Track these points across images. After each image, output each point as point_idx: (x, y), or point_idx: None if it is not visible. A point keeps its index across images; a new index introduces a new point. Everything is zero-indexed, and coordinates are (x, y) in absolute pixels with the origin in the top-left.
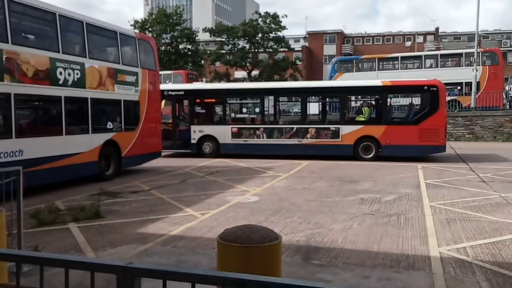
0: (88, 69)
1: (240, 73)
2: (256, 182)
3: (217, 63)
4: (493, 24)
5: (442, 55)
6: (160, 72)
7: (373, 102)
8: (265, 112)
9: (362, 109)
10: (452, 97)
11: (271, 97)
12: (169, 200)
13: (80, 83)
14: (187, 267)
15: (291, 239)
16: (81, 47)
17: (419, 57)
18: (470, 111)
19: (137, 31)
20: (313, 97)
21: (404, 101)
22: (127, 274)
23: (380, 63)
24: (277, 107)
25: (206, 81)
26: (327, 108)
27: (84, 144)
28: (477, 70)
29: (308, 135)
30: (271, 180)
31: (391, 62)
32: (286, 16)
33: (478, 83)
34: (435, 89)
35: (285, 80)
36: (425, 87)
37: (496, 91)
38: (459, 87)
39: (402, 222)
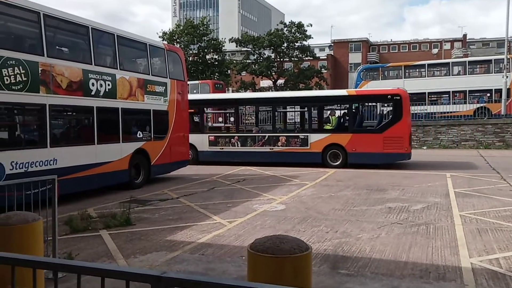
0: (119, 80)
1: (266, 82)
2: (282, 191)
3: (243, 73)
4: None
5: (470, 62)
6: (188, 82)
7: (340, 111)
8: (240, 121)
9: (330, 118)
10: (482, 104)
11: (245, 107)
12: (197, 208)
13: (111, 94)
14: (215, 275)
15: (318, 248)
16: (112, 59)
17: (447, 64)
18: (500, 118)
19: (165, 42)
20: (283, 107)
21: (369, 110)
22: (160, 283)
23: (407, 71)
24: (251, 117)
25: (233, 91)
26: (297, 117)
27: (115, 153)
28: (507, 77)
29: (279, 143)
30: (297, 188)
31: (417, 70)
32: (311, 25)
33: (508, 90)
34: (398, 98)
35: (311, 88)
36: (389, 96)
37: None
38: (488, 94)
39: (431, 232)
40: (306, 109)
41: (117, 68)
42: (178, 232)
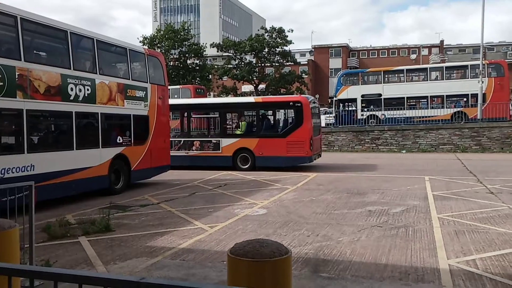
0: (98, 84)
1: (247, 87)
2: (264, 195)
3: (225, 78)
4: (498, 36)
5: (447, 67)
6: (169, 87)
7: (248, 117)
8: None
9: (240, 123)
10: (459, 109)
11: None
12: (178, 213)
13: (90, 99)
14: (196, 280)
15: (299, 252)
16: (91, 64)
17: (425, 69)
18: (476, 123)
19: (146, 47)
20: (198, 112)
21: (275, 115)
22: None
23: (386, 76)
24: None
25: (214, 95)
26: (211, 123)
27: (94, 158)
28: (482, 82)
29: (194, 148)
30: (278, 192)
31: (396, 75)
32: (292, 30)
33: (484, 95)
34: (299, 105)
35: (292, 93)
36: (291, 103)
37: (502, 103)
38: (465, 99)
39: (411, 234)
40: (218, 115)
41: (96, 73)
42: (158, 238)
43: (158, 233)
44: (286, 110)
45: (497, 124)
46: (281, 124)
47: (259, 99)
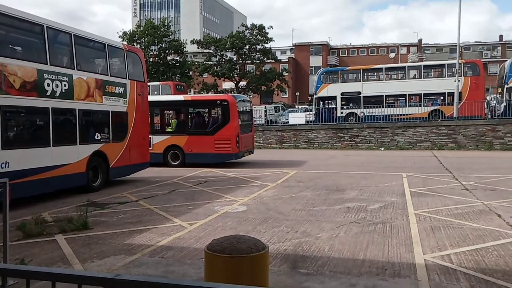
0: (76, 80)
1: (228, 84)
2: (243, 192)
3: (205, 75)
4: (474, 36)
5: (425, 66)
6: (148, 84)
7: (178, 115)
8: None
9: (170, 121)
10: (436, 107)
11: None
12: (157, 211)
13: (68, 95)
14: (174, 277)
15: (278, 248)
16: (69, 59)
17: (403, 68)
18: (453, 121)
19: (125, 42)
20: None
21: (204, 113)
22: (114, 286)
23: (365, 74)
24: None
25: (195, 92)
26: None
27: (72, 155)
28: (459, 81)
29: None
30: (258, 189)
31: (375, 73)
32: (272, 27)
33: (460, 93)
34: (226, 103)
35: (273, 91)
36: (218, 102)
37: (478, 101)
38: (442, 97)
39: (388, 230)
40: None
41: (74, 69)
42: (137, 235)
43: (136, 231)
44: (214, 108)
45: (473, 122)
46: (209, 122)
47: (189, 97)
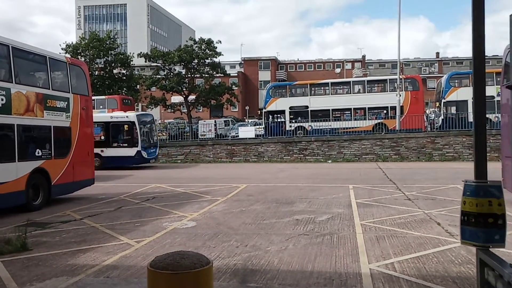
0: (14, 94)
1: (177, 98)
2: (193, 207)
3: (153, 88)
4: (414, 53)
5: (368, 81)
6: (94, 97)
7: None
8: None
9: None
10: (379, 121)
11: None
12: (103, 229)
13: (5, 109)
14: None
15: (228, 263)
16: (7, 72)
17: (348, 83)
18: (395, 133)
19: (68, 55)
20: None
21: None
22: None
23: (312, 89)
24: None
25: (142, 106)
26: None
27: (10, 172)
28: (400, 95)
29: None
30: (208, 204)
31: (322, 88)
32: (220, 42)
33: (402, 107)
34: None
35: (222, 105)
36: None
37: (418, 115)
38: (385, 111)
39: (335, 241)
40: None
41: (12, 82)
42: (81, 255)
43: (80, 250)
44: None
45: (414, 134)
46: None
47: None
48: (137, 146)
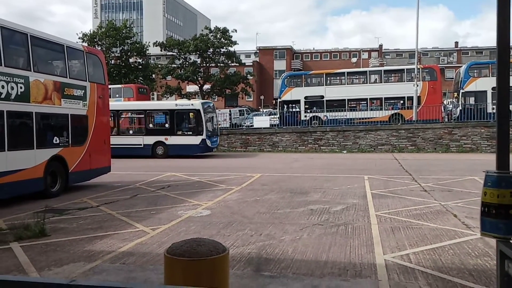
0: (33, 82)
1: (192, 87)
2: (208, 196)
3: (169, 77)
4: (432, 42)
5: (385, 71)
6: (110, 86)
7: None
8: None
9: None
10: (396, 111)
11: None
12: (119, 216)
13: (24, 97)
14: (136, 283)
15: (242, 252)
16: (25, 60)
17: (364, 72)
18: (412, 124)
19: (85, 44)
20: None
21: None
22: None
23: (328, 78)
24: None
25: (158, 95)
26: None
27: (29, 160)
28: (417, 85)
29: None
30: (223, 193)
31: (338, 77)
32: (236, 31)
33: (419, 98)
34: None
35: (237, 94)
36: None
37: (436, 105)
38: (401, 101)
39: (350, 232)
40: None
41: (30, 70)
42: (97, 241)
43: (97, 237)
44: None
45: (431, 125)
46: None
47: None
48: (202, 135)
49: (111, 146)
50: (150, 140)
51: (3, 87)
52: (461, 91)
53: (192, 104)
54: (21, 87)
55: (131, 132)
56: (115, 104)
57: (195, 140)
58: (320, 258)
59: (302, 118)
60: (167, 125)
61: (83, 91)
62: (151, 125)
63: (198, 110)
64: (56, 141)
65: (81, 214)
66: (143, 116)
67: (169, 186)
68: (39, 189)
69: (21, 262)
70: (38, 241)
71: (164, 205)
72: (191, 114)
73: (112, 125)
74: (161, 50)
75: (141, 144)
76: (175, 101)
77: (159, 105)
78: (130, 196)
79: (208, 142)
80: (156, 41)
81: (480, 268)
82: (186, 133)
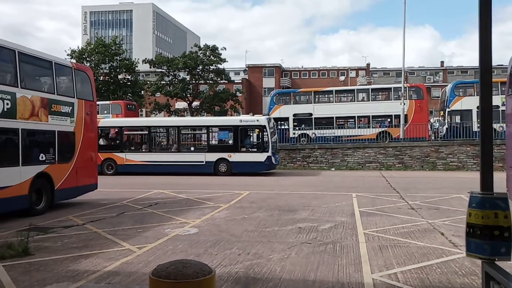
0: (19, 99)
1: (181, 104)
2: (195, 214)
3: (158, 94)
4: (419, 61)
5: (373, 89)
6: (98, 103)
7: None
8: None
9: None
10: (383, 129)
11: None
12: (105, 235)
13: (10, 114)
14: None
15: (230, 271)
16: (12, 76)
17: (352, 91)
18: (399, 142)
19: (74, 60)
20: None
21: None
22: None
23: (316, 96)
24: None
25: (147, 112)
26: None
27: (13, 177)
28: (404, 104)
29: None
30: (211, 211)
31: (326, 95)
32: (225, 48)
33: (406, 116)
34: None
35: (226, 111)
36: None
37: (422, 123)
38: (389, 119)
39: (338, 250)
40: None
41: (18, 87)
42: (82, 260)
43: (82, 256)
44: None
45: (418, 143)
46: None
47: None
48: (267, 151)
49: (171, 163)
50: (213, 157)
51: None
52: (447, 109)
53: (257, 120)
54: (7, 103)
55: (192, 148)
56: (175, 119)
57: (260, 157)
58: (308, 277)
59: (291, 135)
60: (230, 142)
61: (70, 107)
62: (213, 142)
63: (264, 126)
64: (42, 157)
65: (66, 232)
66: (205, 132)
67: (156, 204)
68: (23, 207)
69: (3, 282)
70: (21, 261)
71: (151, 223)
72: (256, 130)
73: (172, 142)
74: (150, 67)
75: (203, 161)
76: (239, 117)
77: (223, 121)
78: (116, 214)
79: (273, 159)
80: (146, 58)
81: (467, 287)
82: (250, 150)
